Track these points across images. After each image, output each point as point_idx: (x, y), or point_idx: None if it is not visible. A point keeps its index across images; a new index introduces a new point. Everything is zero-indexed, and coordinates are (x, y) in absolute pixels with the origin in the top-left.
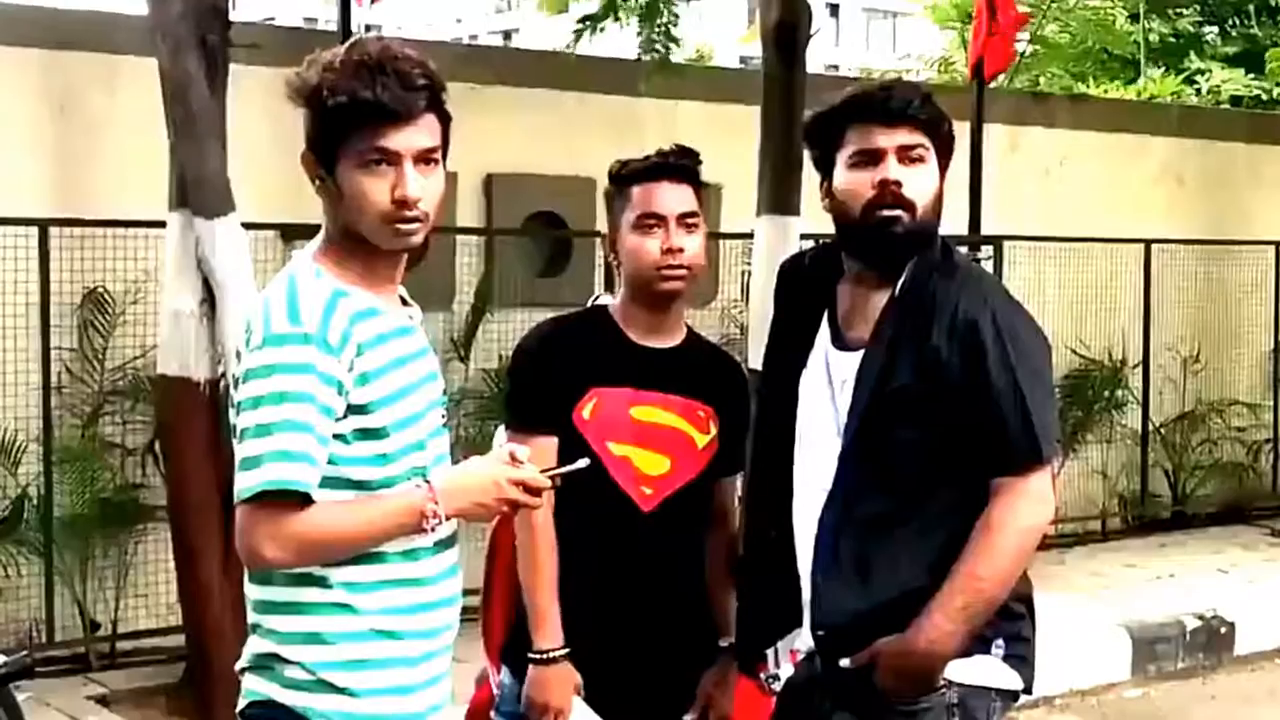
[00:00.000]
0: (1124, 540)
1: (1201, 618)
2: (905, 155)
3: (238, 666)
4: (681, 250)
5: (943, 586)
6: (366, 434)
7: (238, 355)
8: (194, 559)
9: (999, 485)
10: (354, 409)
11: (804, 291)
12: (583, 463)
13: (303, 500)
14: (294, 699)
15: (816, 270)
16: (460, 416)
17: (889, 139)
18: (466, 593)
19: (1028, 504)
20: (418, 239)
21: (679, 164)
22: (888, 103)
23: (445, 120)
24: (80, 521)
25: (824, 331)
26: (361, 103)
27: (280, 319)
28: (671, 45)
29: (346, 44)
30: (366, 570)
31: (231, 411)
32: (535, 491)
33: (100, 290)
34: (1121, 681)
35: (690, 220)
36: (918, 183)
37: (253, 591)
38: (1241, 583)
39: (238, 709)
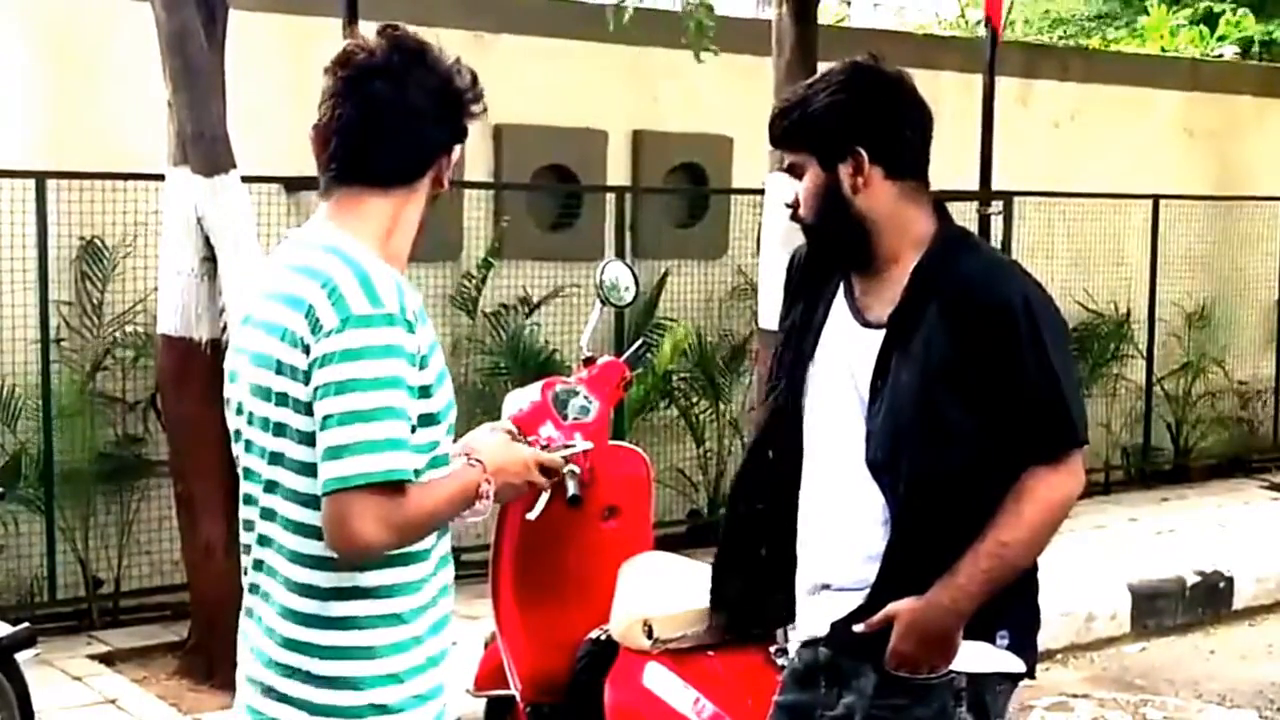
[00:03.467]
0: (1126, 493)
1: (1201, 573)
2: (791, 172)
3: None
4: None
5: (969, 550)
6: (427, 420)
7: (300, 343)
8: (196, 520)
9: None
10: (421, 391)
11: (818, 275)
12: (587, 444)
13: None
14: None
15: None
16: (470, 371)
17: (781, 159)
18: (476, 549)
19: (1059, 477)
20: None
21: None
22: (770, 127)
23: None
24: (81, 477)
25: (841, 311)
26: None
27: (359, 300)
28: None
29: (450, 60)
30: (403, 571)
31: (295, 406)
32: (550, 472)
33: (98, 242)
34: (1121, 636)
35: None
36: (803, 193)
37: (293, 602)
38: (1240, 538)
39: None
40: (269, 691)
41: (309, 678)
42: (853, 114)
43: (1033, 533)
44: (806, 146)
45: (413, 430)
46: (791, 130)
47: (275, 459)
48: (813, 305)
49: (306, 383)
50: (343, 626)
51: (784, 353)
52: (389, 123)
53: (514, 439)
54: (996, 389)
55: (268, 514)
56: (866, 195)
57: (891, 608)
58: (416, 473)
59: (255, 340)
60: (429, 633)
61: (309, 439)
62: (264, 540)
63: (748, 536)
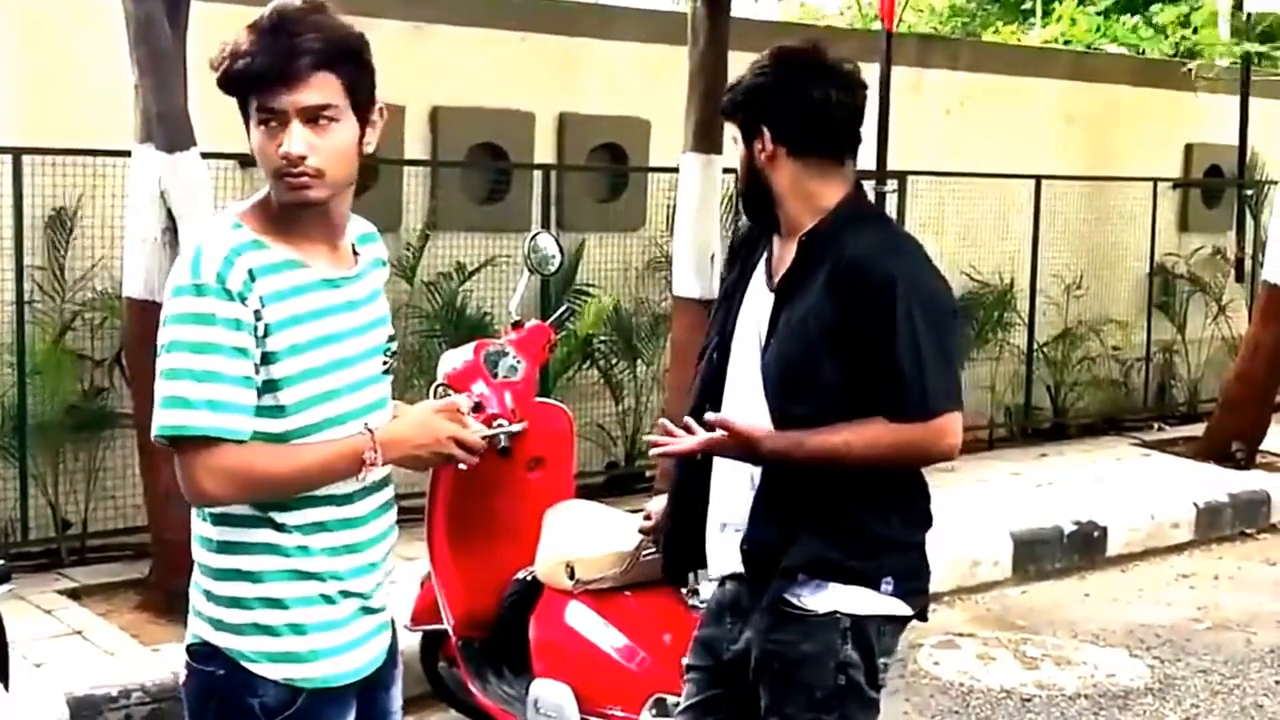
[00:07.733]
0: (1009, 449)
1: (1077, 522)
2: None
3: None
4: None
5: (829, 428)
6: (270, 385)
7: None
8: (156, 469)
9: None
10: (264, 359)
11: (752, 246)
12: (520, 425)
13: (231, 442)
14: (224, 640)
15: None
16: (408, 335)
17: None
18: (413, 496)
19: (925, 433)
20: (312, 194)
21: None
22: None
23: (350, 78)
24: (52, 427)
25: (759, 275)
26: (244, 68)
27: (183, 272)
28: None
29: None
30: (308, 513)
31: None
32: (472, 450)
33: (69, 213)
34: (1004, 580)
35: None
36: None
37: (197, 528)
38: (1113, 491)
39: (185, 645)
40: (195, 612)
41: (210, 598)
42: (762, 96)
43: (871, 457)
44: (735, 123)
45: (260, 394)
46: (725, 108)
47: None
48: (745, 270)
49: None
50: (230, 551)
51: (718, 312)
52: None
53: (443, 411)
54: (869, 356)
55: None
56: (771, 169)
57: (749, 429)
58: (284, 436)
59: None
60: (334, 575)
61: None
62: None
63: (693, 490)
